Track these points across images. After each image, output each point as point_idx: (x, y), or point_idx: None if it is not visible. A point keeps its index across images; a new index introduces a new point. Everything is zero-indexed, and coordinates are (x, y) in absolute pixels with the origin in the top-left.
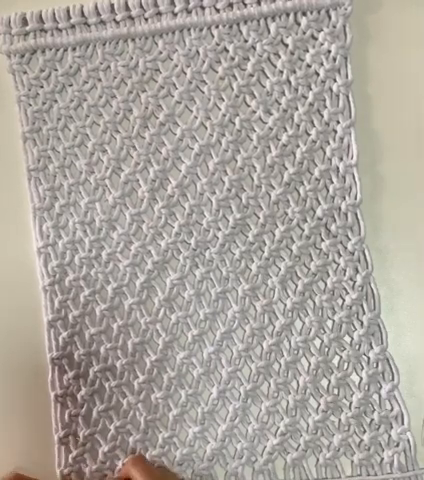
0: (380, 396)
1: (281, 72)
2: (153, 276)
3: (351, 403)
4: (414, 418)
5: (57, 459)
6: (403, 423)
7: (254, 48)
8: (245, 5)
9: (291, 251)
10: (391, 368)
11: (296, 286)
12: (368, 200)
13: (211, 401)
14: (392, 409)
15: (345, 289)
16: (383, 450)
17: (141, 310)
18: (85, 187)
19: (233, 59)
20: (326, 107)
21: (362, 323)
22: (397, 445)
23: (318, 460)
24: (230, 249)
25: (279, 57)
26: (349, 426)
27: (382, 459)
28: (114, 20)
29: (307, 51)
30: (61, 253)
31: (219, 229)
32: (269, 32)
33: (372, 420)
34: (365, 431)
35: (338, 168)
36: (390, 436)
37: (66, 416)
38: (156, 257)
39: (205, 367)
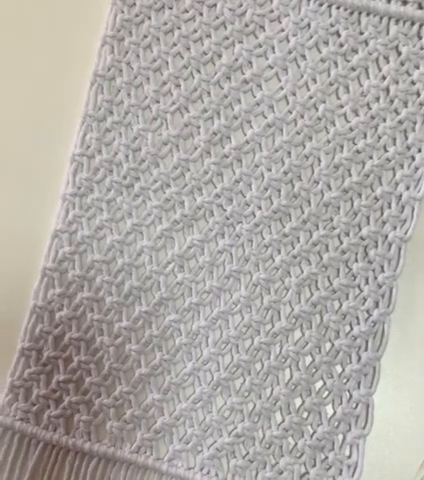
0: (344, 438)
1: (384, 78)
2: (176, 228)
3: (314, 433)
4: None
5: (12, 368)
6: (353, 476)
7: (366, 43)
8: None
9: (321, 259)
10: (367, 416)
11: (311, 295)
12: (417, 241)
13: (182, 375)
14: (350, 456)
15: (357, 318)
16: None
17: (151, 256)
18: (145, 113)
19: (342, 46)
20: (414, 131)
21: (359, 359)
22: None
23: (257, 475)
24: (262, 232)
25: (388, 62)
26: (302, 454)
27: None
28: None
29: (417, 68)
30: (94, 169)
31: (259, 208)
32: (388, 33)
33: (326, 458)
34: (314, 465)
35: (401, 196)
36: None
37: (37, 330)
38: (187, 210)
39: (190, 339)
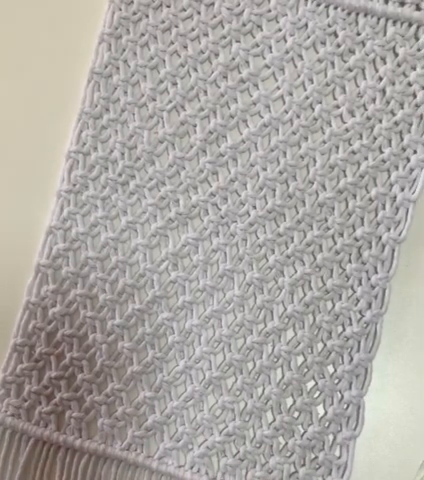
0: (335, 438)
1: (380, 79)
2: (171, 226)
3: (305, 432)
4: None
5: (5, 364)
6: (343, 476)
7: (364, 44)
8: None
9: (314, 259)
10: (358, 417)
11: (304, 295)
12: (411, 243)
13: (174, 373)
14: (340, 457)
15: (350, 319)
16: None
17: (145, 254)
18: (141, 110)
19: (339, 46)
20: (410, 132)
21: (351, 360)
22: None
23: (246, 474)
24: (256, 232)
25: (384, 63)
26: (292, 454)
27: None
28: None
29: (414, 69)
30: (89, 166)
31: (254, 207)
32: (385, 34)
33: (316, 458)
34: (304, 465)
35: (395, 197)
36: None
37: (30, 326)
38: (182, 209)
39: (182, 337)
